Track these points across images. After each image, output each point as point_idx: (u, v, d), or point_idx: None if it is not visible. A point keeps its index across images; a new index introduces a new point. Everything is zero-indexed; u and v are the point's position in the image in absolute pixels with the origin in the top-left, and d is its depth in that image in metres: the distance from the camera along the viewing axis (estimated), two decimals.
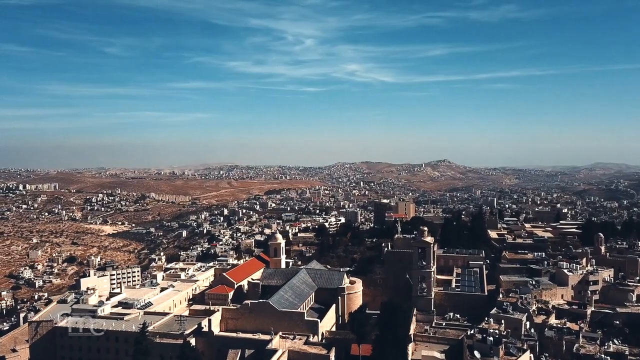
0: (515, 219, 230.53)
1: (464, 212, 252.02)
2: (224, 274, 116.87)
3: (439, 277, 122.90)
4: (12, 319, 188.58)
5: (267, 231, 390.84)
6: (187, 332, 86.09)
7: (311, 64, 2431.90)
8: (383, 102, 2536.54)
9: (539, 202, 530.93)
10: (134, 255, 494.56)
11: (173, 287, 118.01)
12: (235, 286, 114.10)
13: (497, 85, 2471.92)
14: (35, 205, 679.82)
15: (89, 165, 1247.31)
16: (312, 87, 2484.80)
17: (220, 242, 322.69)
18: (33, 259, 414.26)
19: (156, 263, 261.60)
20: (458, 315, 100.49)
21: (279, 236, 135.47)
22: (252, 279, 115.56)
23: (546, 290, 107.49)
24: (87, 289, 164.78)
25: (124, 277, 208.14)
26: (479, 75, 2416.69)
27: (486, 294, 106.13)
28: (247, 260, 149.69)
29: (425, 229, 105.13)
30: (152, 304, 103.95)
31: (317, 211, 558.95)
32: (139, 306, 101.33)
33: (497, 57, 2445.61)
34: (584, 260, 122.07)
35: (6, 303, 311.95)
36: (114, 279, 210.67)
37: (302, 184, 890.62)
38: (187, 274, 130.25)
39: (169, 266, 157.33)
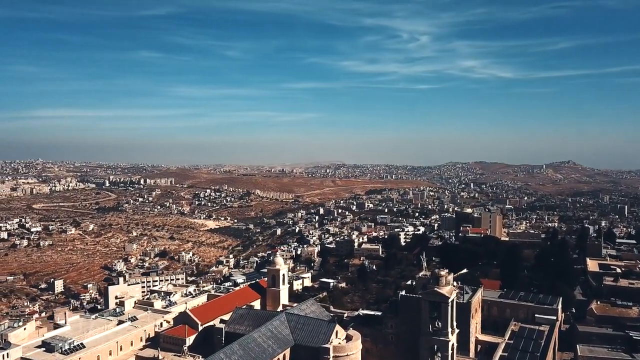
0: (634, 241, 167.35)
1: (561, 232, 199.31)
2: (187, 310, 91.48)
3: (482, 337, 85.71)
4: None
5: (355, 235, 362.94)
6: None
7: (424, 61, 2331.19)
8: (501, 99, 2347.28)
9: None
10: (227, 252, 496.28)
11: (135, 319, 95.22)
12: (201, 328, 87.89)
13: (632, 79, 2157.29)
14: (150, 199, 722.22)
15: (208, 161, 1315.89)
16: (425, 85, 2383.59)
17: (283, 249, 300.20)
18: (128, 251, 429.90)
19: (217, 267, 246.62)
20: None
21: (279, 260, 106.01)
22: (223, 320, 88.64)
23: None
24: (116, 298, 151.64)
25: (164, 284, 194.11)
26: (610, 68, 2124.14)
27: None
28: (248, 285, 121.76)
29: (443, 273, 69.29)
30: (83, 347, 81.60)
31: (417, 214, 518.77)
32: (64, 349, 79.67)
33: (632, 48, 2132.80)
34: None
35: (90, 296, 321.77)
36: (157, 285, 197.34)
37: (408, 184, 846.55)
38: (168, 300, 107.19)
39: (155, 288, 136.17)
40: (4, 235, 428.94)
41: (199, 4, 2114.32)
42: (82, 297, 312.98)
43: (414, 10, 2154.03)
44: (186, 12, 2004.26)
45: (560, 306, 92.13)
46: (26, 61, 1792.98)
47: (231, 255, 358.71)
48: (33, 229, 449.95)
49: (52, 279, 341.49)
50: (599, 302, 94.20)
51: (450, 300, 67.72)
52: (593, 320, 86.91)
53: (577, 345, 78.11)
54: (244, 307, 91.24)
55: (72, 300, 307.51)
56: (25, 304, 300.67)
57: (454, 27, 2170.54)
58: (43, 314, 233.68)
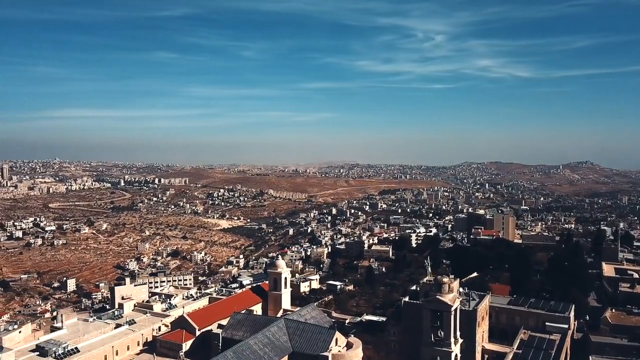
0: None
1: (577, 234, 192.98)
2: (184, 315, 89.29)
3: (489, 346, 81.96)
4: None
5: (365, 236, 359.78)
6: None
7: (440, 60, 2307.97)
8: (517, 98, 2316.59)
9: None
10: (239, 252, 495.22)
11: (133, 322, 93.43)
12: (198, 333, 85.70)
13: None
14: (164, 198, 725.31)
15: (222, 161, 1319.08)
16: (440, 84, 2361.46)
17: (293, 250, 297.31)
18: (140, 251, 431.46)
19: (227, 268, 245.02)
20: None
21: (280, 263, 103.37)
22: (221, 325, 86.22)
23: None
24: (122, 298, 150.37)
25: (171, 285, 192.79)
26: (628, 67, 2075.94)
27: None
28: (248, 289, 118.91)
29: (446, 280, 65.92)
30: (77, 352, 79.98)
31: (430, 215, 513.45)
32: (57, 353, 78.05)
33: None
34: None
35: (102, 295, 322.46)
36: (163, 286, 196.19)
37: (422, 184, 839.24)
38: (168, 303, 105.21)
39: (159, 290, 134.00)
40: (19, 234, 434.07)
41: (214, 5, 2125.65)
42: (94, 297, 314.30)
43: (429, 10, 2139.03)
44: (202, 13, 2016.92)
45: (572, 314, 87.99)
46: (44, 62, 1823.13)
47: (241, 256, 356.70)
48: (47, 228, 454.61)
49: (65, 278, 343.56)
50: (613, 310, 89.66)
51: (453, 308, 64.35)
52: (607, 330, 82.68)
53: (590, 357, 74.10)
54: (243, 311, 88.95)
55: (83, 299, 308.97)
56: (38, 302, 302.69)
57: (470, 26, 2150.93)
58: (55, 313, 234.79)
